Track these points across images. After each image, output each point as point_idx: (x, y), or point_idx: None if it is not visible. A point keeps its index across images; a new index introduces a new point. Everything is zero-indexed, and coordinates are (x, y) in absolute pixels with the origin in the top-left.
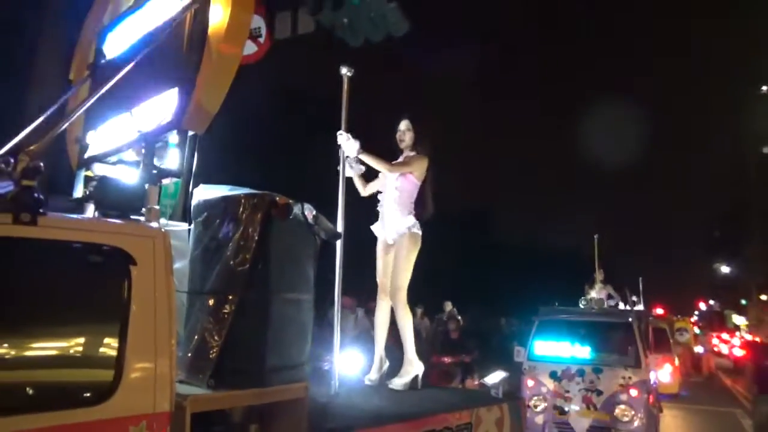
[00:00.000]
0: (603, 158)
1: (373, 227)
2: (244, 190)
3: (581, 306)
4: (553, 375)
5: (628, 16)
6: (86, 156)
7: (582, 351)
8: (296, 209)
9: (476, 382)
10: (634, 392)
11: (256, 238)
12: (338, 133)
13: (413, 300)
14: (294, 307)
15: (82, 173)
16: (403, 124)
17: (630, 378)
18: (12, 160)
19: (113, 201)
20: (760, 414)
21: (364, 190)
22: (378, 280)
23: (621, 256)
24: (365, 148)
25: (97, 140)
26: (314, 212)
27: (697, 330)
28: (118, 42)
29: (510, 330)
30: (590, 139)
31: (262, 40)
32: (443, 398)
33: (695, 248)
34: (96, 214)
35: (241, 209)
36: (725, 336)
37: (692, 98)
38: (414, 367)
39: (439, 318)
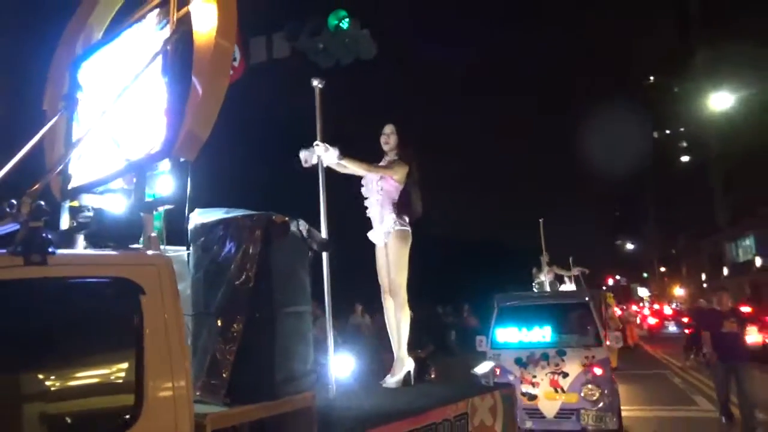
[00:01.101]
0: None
1: (369, 234)
2: (240, 211)
3: (534, 290)
4: (518, 361)
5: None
6: (70, 187)
7: (544, 335)
8: (292, 225)
9: (432, 376)
10: (598, 371)
11: (257, 257)
12: (314, 144)
13: (355, 297)
14: (296, 319)
15: (67, 204)
16: (389, 128)
17: (593, 357)
18: (15, 202)
19: (111, 232)
20: (724, 380)
21: (345, 170)
22: (380, 282)
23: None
24: (343, 153)
25: (80, 170)
26: (307, 226)
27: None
28: (93, 72)
29: (462, 320)
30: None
31: (236, 63)
32: (437, 392)
33: (600, 228)
34: (85, 244)
35: (240, 230)
36: (634, 308)
37: (596, 88)
38: (405, 364)
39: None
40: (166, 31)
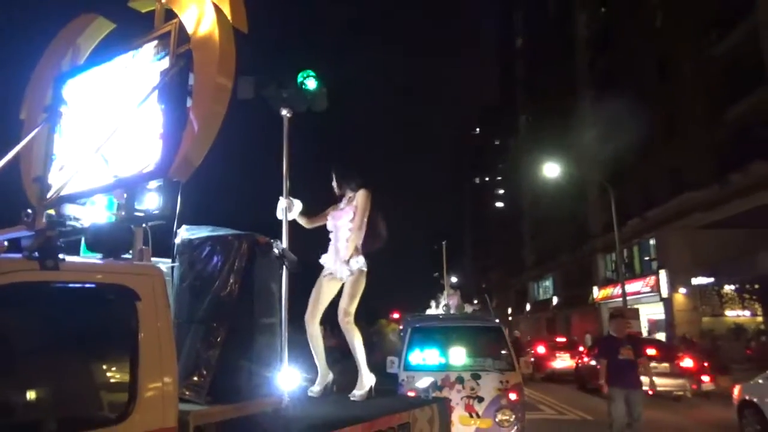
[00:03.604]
0: None
1: (322, 260)
2: (225, 230)
3: (442, 312)
4: (433, 385)
5: None
6: (50, 195)
7: (458, 357)
8: (273, 246)
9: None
10: (513, 396)
11: (242, 272)
12: (279, 203)
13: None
14: (269, 329)
15: (45, 212)
16: (333, 173)
17: (507, 382)
18: (30, 212)
19: (105, 243)
20: (619, 406)
21: (310, 225)
22: (311, 305)
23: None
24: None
25: (61, 181)
26: (282, 247)
27: None
28: (81, 89)
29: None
30: None
31: None
32: (385, 404)
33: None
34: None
35: (228, 247)
36: None
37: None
38: (368, 379)
39: None
40: (164, 63)
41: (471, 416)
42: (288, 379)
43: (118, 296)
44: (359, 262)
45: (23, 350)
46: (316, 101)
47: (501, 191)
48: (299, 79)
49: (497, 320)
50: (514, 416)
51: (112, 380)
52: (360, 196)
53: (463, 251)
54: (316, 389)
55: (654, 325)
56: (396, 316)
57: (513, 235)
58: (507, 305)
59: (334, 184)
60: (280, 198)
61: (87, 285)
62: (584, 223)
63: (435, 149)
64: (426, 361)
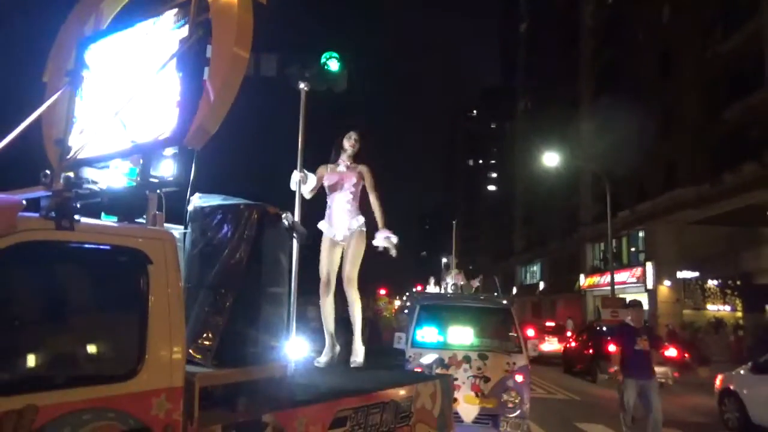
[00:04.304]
0: None
1: (321, 225)
2: (237, 199)
3: (449, 291)
4: (440, 362)
5: None
6: (69, 157)
7: (465, 337)
8: (282, 217)
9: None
10: (519, 378)
11: (251, 241)
12: (293, 175)
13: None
14: (276, 298)
15: (63, 174)
16: (355, 134)
17: (515, 363)
18: (48, 173)
19: (120, 206)
20: (632, 397)
21: (310, 195)
22: (323, 274)
23: None
24: None
25: (81, 144)
26: (292, 218)
27: None
28: (102, 54)
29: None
30: None
31: None
32: (389, 377)
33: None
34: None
35: (239, 216)
36: None
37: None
38: (361, 348)
39: None
40: (184, 32)
41: (477, 395)
42: (295, 348)
43: (131, 258)
44: (359, 221)
45: (37, 306)
46: (336, 82)
47: (494, 175)
48: (322, 60)
49: (505, 301)
50: (519, 397)
51: (122, 339)
52: (370, 172)
53: (452, 232)
54: (322, 360)
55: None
56: (383, 292)
57: (503, 219)
58: (493, 288)
59: (351, 142)
60: (294, 171)
61: (101, 246)
62: (575, 212)
63: (428, 128)
64: (433, 339)
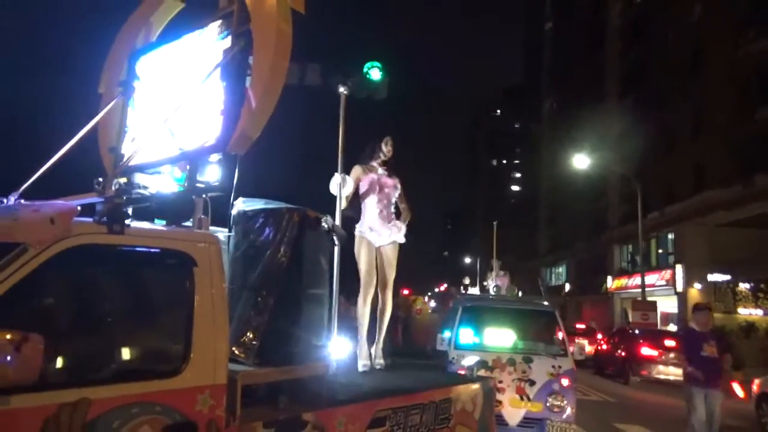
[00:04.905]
0: None
1: (360, 227)
2: (278, 203)
3: (492, 293)
4: (483, 364)
5: None
6: (122, 164)
7: (509, 339)
8: (322, 220)
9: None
10: (565, 381)
11: (292, 243)
12: (333, 178)
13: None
14: (316, 299)
15: (116, 180)
16: (391, 140)
17: (560, 367)
18: (102, 180)
19: (168, 211)
20: (697, 406)
21: (346, 203)
22: (365, 280)
23: None
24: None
25: (132, 151)
26: (332, 222)
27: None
28: (152, 65)
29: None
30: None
31: None
32: (429, 378)
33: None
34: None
35: (280, 220)
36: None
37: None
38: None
39: None
40: (227, 42)
41: (521, 399)
42: (337, 349)
43: (177, 261)
44: (402, 230)
45: (90, 305)
46: (377, 91)
47: (517, 175)
48: (365, 69)
49: (547, 303)
50: (565, 401)
51: (168, 337)
52: (401, 182)
53: (475, 232)
54: (367, 364)
55: (665, 318)
56: (405, 292)
57: (528, 220)
58: (519, 288)
59: (389, 148)
60: (335, 174)
61: (149, 249)
62: (602, 213)
63: (449, 128)
64: (477, 341)
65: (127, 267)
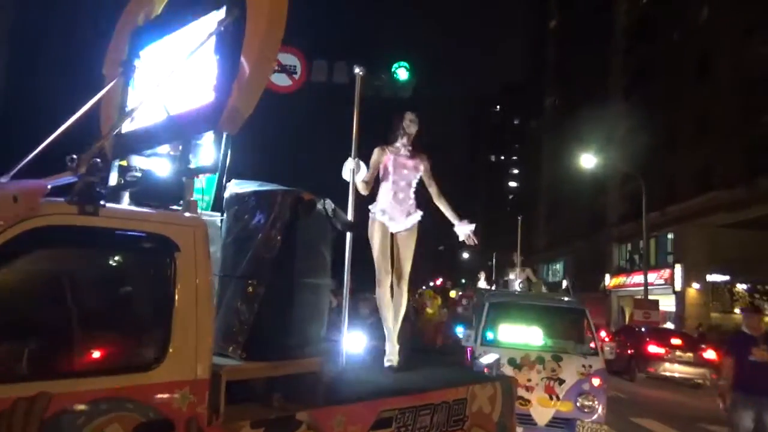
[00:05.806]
0: None
1: (373, 209)
2: (272, 186)
3: (518, 289)
4: (512, 362)
5: None
6: (109, 134)
7: (538, 337)
8: (319, 204)
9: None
10: (596, 381)
11: (284, 228)
12: (346, 163)
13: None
14: (313, 290)
15: (116, 163)
16: (414, 116)
17: (590, 366)
18: (75, 157)
19: (156, 193)
20: (744, 417)
21: (366, 190)
22: (379, 264)
23: None
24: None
25: (131, 132)
26: (333, 206)
27: None
28: (153, 46)
29: None
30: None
31: (297, 76)
32: (441, 377)
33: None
34: (128, 202)
35: (271, 203)
36: (444, 310)
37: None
38: (397, 345)
39: None
40: (221, 13)
41: (551, 398)
42: (349, 343)
43: (157, 245)
44: (419, 216)
45: (55, 292)
46: (403, 90)
47: (516, 171)
48: (392, 68)
49: (574, 300)
50: (596, 401)
51: (144, 328)
52: (429, 160)
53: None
54: (394, 359)
55: (663, 317)
56: (438, 282)
57: (526, 217)
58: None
59: (414, 128)
60: (348, 158)
61: (126, 232)
62: (602, 211)
63: (447, 123)
64: (504, 338)
65: (101, 251)
